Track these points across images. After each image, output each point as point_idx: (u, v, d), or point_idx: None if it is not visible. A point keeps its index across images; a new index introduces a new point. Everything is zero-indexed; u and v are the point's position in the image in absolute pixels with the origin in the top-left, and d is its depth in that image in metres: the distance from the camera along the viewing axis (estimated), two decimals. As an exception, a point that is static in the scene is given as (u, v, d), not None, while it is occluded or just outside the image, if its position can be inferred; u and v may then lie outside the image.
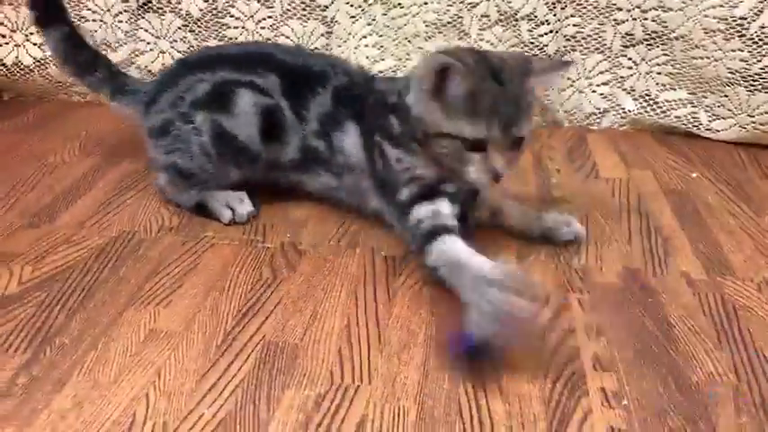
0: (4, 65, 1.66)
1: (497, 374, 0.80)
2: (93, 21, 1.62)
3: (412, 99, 0.99)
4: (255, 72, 1.12)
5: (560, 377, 0.81)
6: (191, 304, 0.93)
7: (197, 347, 0.84)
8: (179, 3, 1.57)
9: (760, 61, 1.40)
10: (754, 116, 1.44)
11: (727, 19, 1.39)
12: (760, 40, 1.38)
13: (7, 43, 1.65)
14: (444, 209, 1.01)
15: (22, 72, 1.66)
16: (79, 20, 1.61)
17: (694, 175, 1.35)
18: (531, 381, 0.80)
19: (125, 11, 1.60)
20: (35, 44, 1.65)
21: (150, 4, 1.59)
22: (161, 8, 1.59)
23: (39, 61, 1.65)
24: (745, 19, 1.38)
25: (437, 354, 0.84)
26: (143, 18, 1.61)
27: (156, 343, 0.85)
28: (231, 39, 1.59)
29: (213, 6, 1.57)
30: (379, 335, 0.87)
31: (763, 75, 1.40)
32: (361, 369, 0.81)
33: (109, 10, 1.60)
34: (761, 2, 1.37)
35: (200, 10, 1.57)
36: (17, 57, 1.65)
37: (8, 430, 0.71)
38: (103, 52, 1.59)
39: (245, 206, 1.14)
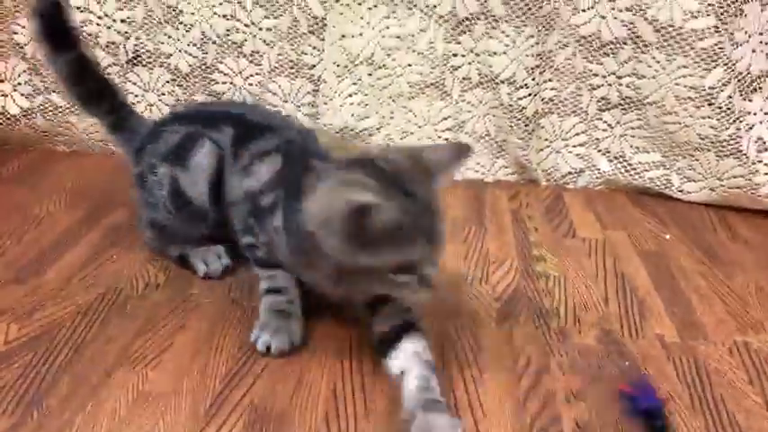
0: (-10, 114, 1.67)
1: (481, 440, 0.82)
2: (83, 73, 1.64)
3: (315, 227, 0.85)
4: (217, 127, 1.11)
5: (542, 443, 0.83)
6: (179, 366, 0.94)
7: (186, 411, 0.85)
8: (168, 57, 1.61)
9: (728, 129, 1.46)
10: (722, 180, 1.50)
11: (697, 88, 1.46)
12: (728, 108, 1.45)
13: (-5, 93, 1.67)
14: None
15: (9, 121, 1.67)
16: (68, 72, 1.64)
17: (667, 236, 1.40)
18: (513, 447, 0.82)
19: (114, 64, 1.63)
20: (23, 94, 1.67)
21: (140, 59, 1.62)
22: (150, 62, 1.63)
23: (25, 111, 1.67)
24: (714, 89, 1.45)
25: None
26: (132, 72, 1.64)
27: (145, 406, 0.86)
28: (219, 94, 1.62)
29: (202, 62, 1.60)
30: (365, 400, 0.89)
31: (731, 141, 1.47)
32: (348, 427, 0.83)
33: (99, 63, 1.63)
34: (728, 73, 1.44)
35: (189, 65, 1.61)
36: (4, 106, 1.67)
37: (-4, 498, 0.72)
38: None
39: (220, 262, 1.16)
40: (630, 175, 1.59)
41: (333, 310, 1.06)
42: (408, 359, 0.89)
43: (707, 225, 1.47)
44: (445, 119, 1.62)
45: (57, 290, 1.10)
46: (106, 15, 1.59)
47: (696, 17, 1.42)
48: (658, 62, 1.47)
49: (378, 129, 1.61)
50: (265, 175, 1.00)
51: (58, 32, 1.17)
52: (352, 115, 1.60)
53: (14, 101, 1.67)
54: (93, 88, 1.22)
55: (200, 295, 1.11)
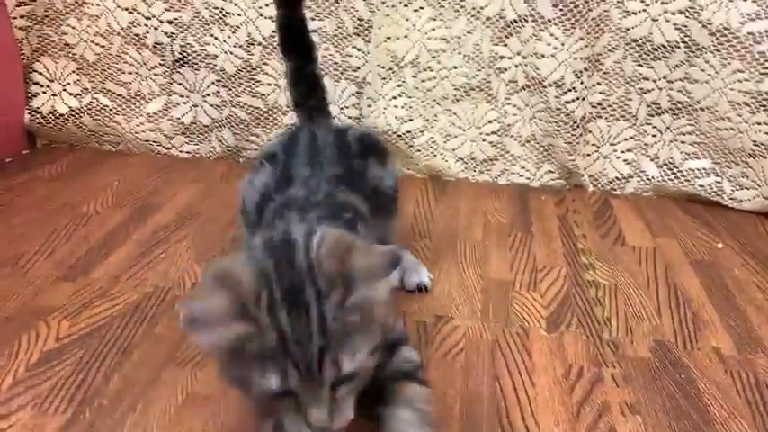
0: (40, 113, 1.69)
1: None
2: (130, 73, 1.66)
3: None
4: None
5: (598, 457, 0.81)
6: (227, 367, 0.93)
7: (235, 415, 0.85)
8: (214, 59, 1.62)
9: (784, 135, 1.42)
10: (777, 188, 1.46)
11: (753, 93, 1.42)
12: (785, 114, 1.41)
13: (44, 93, 1.69)
14: None
15: (57, 121, 1.70)
16: (117, 72, 1.66)
17: (720, 245, 1.36)
18: (568, 460, 0.80)
19: (161, 64, 1.64)
20: (71, 94, 1.69)
21: (186, 60, 1.63)
22: (196, 64, 1.63)
23: (73, 110, 1.69)
24: (771, 94, 1.41)
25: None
26: (178, 72, 1.65)
27: (193, 409, 0.86)
28: (263, 95, 1.62)
29: (248, 63, 1.61)
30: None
31: (788, 148, 1.43)
32: None
33: (145, 63, 1.65)
34: (786, 78, 1.40)
35: (235, 67, 1.61)
36: (53, 106, 1.69)
37: (50, 495, 0.72)
38: (139, 102, 1.64)
39: None
40: (680, 181, 1.55)
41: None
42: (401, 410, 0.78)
43: (760, 234, 1.42)
44: (490, 122, 1.60)
45: (105, 288, 1.11)
46: (153, 16, 1.60)
47: (753, 20, 1.38)
48: (712, 66, 1.44)
49: (422, 132, 1.60)
50: None
51: (297, 41, 1.14)
52: (396, 118, 1.58)
53: (63, 100, 1.69)
54: (304, 92, 1.16)
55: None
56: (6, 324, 1.01)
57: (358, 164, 1.04)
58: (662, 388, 0.94)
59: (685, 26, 1.44)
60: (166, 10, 1.59)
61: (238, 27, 1.58)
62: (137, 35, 1.62)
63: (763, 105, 1.42)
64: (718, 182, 1.53)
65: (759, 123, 1.44)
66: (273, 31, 1.57)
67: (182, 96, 1.67)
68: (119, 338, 0.99)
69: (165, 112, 1.68)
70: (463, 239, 1.34)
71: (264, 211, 0.92)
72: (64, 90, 1.69)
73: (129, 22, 1.61)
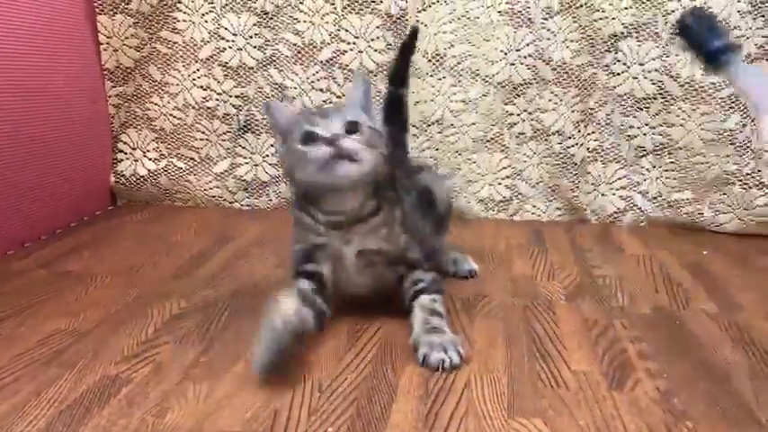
0: (123, 175, 2.01)
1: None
2: (201, 140, 1.99)
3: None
4: None
5: (614, 361, 1.05)
6: (317, 321, 1.19)
7: (332, 344, 1.10)
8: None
9: (748, 164, 1.73)
10: (749, 210, 1.75)
11: (719, 131, 1.74)
12: (747, 146, 1.72)
13: (127, 159, 2.02)
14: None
15: (138, 181, 2.01)
16: (190, 139, 1.99)
17: (705, 252, 1.63)
18: (591, 363, 1.04)
19: (228, 132, 1.98)
20: (150, 159, 2.02)
21: (249, 127, 1.97)
22: (257, 130, 1.97)
23: (152, 172, 2.01)
24: (734, 131, 1.73)
25: (516, 357, 1.09)
26: (243, 137, 1.98)
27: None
28: (314, 153, 1.94)
29: (301, 127, 1.94)
30: (467, 337, 1.13)
31: (753, 175, 1.73)
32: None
33: (215, 131, 1.98)
34: (744, 117, 1.72)
35: (290, 130, 1.94)
36: (135, 169, 2.01)
37: (204, 383, 0.96)
38: (208, 164, 1.96)
39: None
40: (669, 211, 1.84)
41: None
42: (418, 309, 1.13)
43: (739, 246, 1.70)
44: (504, 168, 1.91)
45: (207, 281, 1.38)
46: (224, 92, 1.95)
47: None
48: (684, 111, 1.77)
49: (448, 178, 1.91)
50: None
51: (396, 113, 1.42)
52: (427, 166, 1.90)
53: (143, 164, 2.02)
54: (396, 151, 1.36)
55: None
56: (137, 300, 1.27)
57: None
58: (661, 328, 1.18)
59: (660, 81, 1.78)
60: (234, 87, 1.95)
61: (294, 98, 1.93)
62: (209, 108, 1.97)
63: (730, 141, 1.74)
64: (700, 209, 1.82)
65: (728, 155, 1.75)
66: (323, 101, 1.92)
67: (244, 158, 1.99)
68: (227, 308, 1.24)
69: (230, 171, 2.00)
70: (489, 252, 1.61)
71: None
72: (144, 156, 2.02)
73: (203, 98, 1.96)
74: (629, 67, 1.79)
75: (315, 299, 1.14)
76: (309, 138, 1.10)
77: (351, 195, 1.14)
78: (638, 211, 1.88)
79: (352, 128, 1.10)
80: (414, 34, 1.42)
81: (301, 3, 1.88)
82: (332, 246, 1.16)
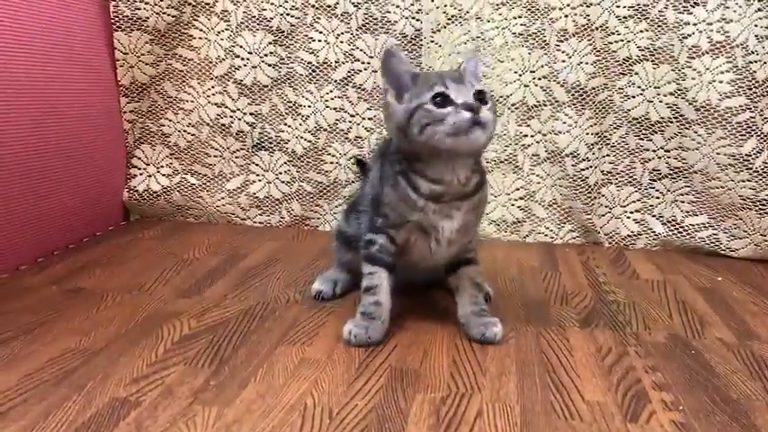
0: (136, 191, 2.02)
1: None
2: (215, 156, 2.00)
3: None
4: None
5: (629, 391, 1.03)
6: (328, 344, 1.18)
7: (341, 368, 1.09)
8: (287, 143, 1.96)
9: (765, 189, 1.71)
10: (765, 235, 1.73)
11: (735, 155, 1.72)
12: (764, 171, 1.71)
13: (141, 174, 2.03)
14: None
15: (151, 197, 2.02)
16: (204, 156, 1.99)
17: (719, 278, 1.61)
18: (605, 394, 1.03)
19: (242, 149, 1.98)
20: (164, 175, 2.02)
21: (263, 144, 1.97)
22: (271, 147, 1.97)
23: (165, 188, 2.02)
24: (750, 156, 1.71)
25: (529, 386, 1.07)
26: (256, 155, 1.98)
27: (307, 366, 1.09)
28: (327, 172, 1.95)
29: (315, 146, 1.94)
30: (479, 364, 1.11)
31: (770, 200, 1.71)
32: (471, 381, 1.05)
33: (228, 148, 1.99)
34: (761, 142, 1.70)
35: (304, 149, 1.95)
36: (148, 185, 2.02)
37: (213, 408, 0.95)
38: (221, 180, 1.96)
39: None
40: (683, 236, 1.83)
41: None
42: (461, 278, 1.26)
43: (755, 273, 1.67)
44: (517, 189, 1.90)
45: (217, 301, 1.37)
46: (238, 109, 1.96)
47: (729, 97, 1.71)
48: (700, 136, 1.75)
49: (460, 198, 1.90)
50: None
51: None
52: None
53: (157, 180, 2.02)
54: None
55: (334, 305, 1.36)
56: (148, 320, 1.27)
57: None
58: (676, 357, 1.17)
59: (675, 105, 1.77)
60: (249, 104, 1.95)
61: (308, 117, 1.93)
62: (223, 125, 1.97)
63: (746, 165, 1.72)
64: (715, 234, 1.80)
65: (743, 181, 1.73)
66: (336, 120, 1.92)
67: (258, 175, 2.00)
68: (238, 329, 1.24)
69: (243, 188, 2.00)
70: (501, 275, 1.60)
71: None
72: (158, 171, 2.02)
73: (217, 115, 1.97)
74: (644, 90, 1.78)
75: (391, 251, 1.22)
76: (444, 100, 1.09)
77: (462, 165, 1.15)
78: (652, 234, 1.86)
79: (482, 97, 1.11)
80: None
81: (316, 22, 1.89)
82: (427, 221, 1.18)
